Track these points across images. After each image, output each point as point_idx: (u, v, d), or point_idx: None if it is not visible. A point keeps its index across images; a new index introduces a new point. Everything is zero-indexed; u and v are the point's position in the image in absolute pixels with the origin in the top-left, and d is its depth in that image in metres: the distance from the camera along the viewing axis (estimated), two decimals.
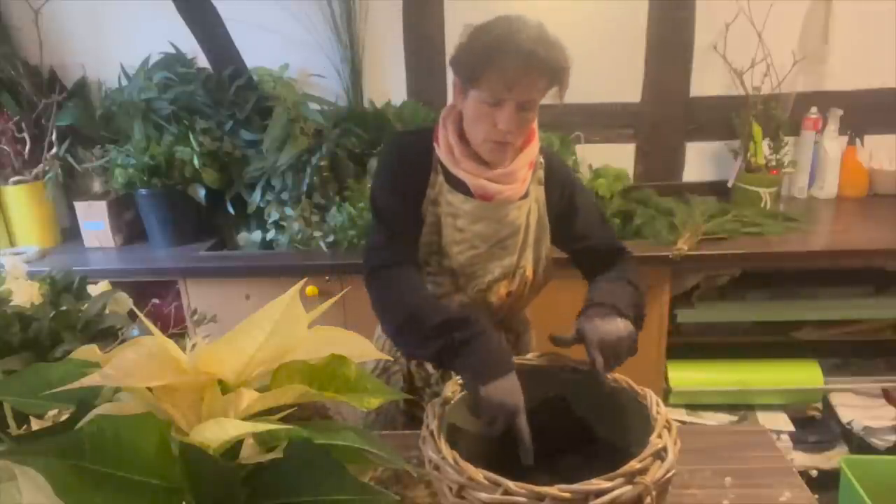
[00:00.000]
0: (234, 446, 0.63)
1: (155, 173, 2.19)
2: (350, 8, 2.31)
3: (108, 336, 0.94)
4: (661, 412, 0.88)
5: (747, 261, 1.99)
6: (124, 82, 2.38)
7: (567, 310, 2.05)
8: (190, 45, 2.30)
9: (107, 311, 0.98)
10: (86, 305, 0.98)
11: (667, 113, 2.41)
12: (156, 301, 2.17)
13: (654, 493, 0.76)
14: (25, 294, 0.97)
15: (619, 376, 1.02)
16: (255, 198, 2.24)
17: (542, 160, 1.34)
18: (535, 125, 1.31)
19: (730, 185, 2.36)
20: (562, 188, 1.36)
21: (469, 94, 1.18)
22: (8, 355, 0.86)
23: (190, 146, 2.18)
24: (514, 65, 1.11)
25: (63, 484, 0.53)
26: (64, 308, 0.94)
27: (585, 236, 1.38)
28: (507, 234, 1.29)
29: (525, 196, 1.30)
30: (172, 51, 2.35)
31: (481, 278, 1.29)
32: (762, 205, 2.26)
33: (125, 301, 1.02)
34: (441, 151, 1.25)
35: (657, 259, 1.95)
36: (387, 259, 1.22)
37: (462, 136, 1.24)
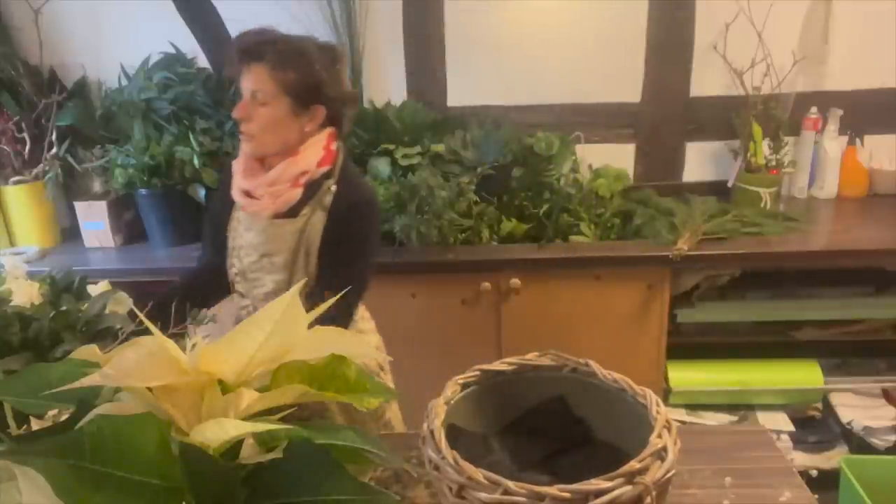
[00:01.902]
0: (234, 446, 0.63)
1: (155, 173, 2.19)
2: (350, 8, 2.31)
3: (107, 336, 0.95)
4: (661, 412, 0.88)
5: (747, 261, 1.99)
6: (124, 82, 2.38)
7: (568, 309, 2.05)
8: (190, 45, 2.29)
9: (107, 311, 0.98)
10: (86, 305, 0.98)
11: (667, 113, 2.41)
12: None
13: (654, 493, 0.76)
14: (25, 294, 0.97)
15: (618, 376, 1.02)
16: None
17: (333, 188, 1.34)
18: (321, 145, 1.33)
19: (730, 185, 2.36)
20: (338, 225, 1.34)
21: None
22: (8, 355, 0.86)
23: (190, 146, 2.18)
24: (247, 54, 1.29)
25: (63, 484, 0.53)
26: (64, 308, 0.94)
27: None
28: (274, 249, 1.34)
29: (293, 216, 1.33)
30: (172, 51, 2.35)
31: (259, 289, 1.38)
32: (762, 205, 2.26)
33: (125, 301, 1.02)
34: (238, 157, 1.38)
35: (657, 259, 1.95)
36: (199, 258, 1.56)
37: None
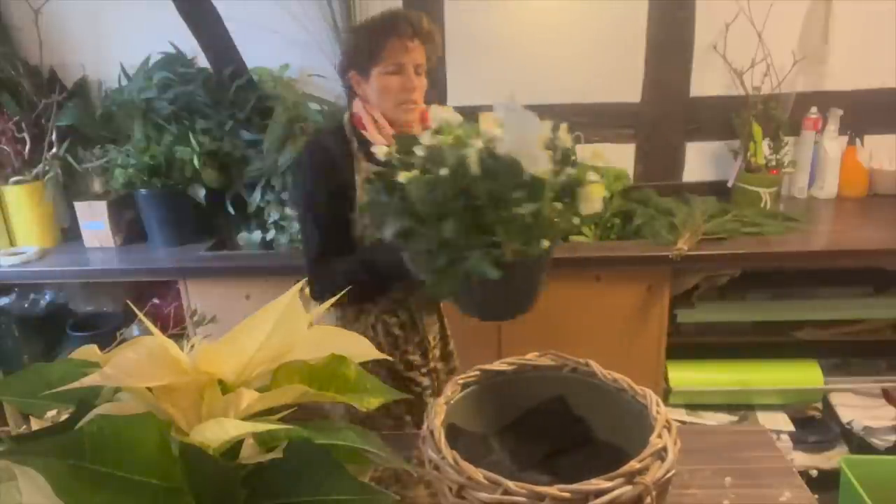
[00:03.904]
0: (234, 446, 0.63)
1: (155, 173, 2.19)
2: (350, 8, 2.31)
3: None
4: (661, 412, 0.88)
5: (747, 261, 1.99)
6: (124, 82, 2.38)
7: (568, 309, 2.05)
8: (190, 45, 2.29)
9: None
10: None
11: (667, 113, 2.41)
12: (156, 301, 2.18)
13: (654, 493, 0.76)
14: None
15: (618, 376, 1.02)
16: (255, 198, 2.24)
17: None
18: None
19: (730, 185, 2.36)
20: None
21: (371, 76, 1.40)
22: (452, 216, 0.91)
23: (190, 146, 2.18)
24: (407, 30, 1.37)
25: (63, 484, 0.53)
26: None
27: None
28: None
29: None
30: (172, 51, 2.35)
31: None
32: (762, 205, 2.26)
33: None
34: (375, 139, 1.41)
35: (657, 259, 1.95)
36: (333, 257, 1.43)
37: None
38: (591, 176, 0.98)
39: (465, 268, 0.93)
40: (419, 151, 1.01)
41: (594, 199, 0.97)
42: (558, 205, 0.94)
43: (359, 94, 1.45)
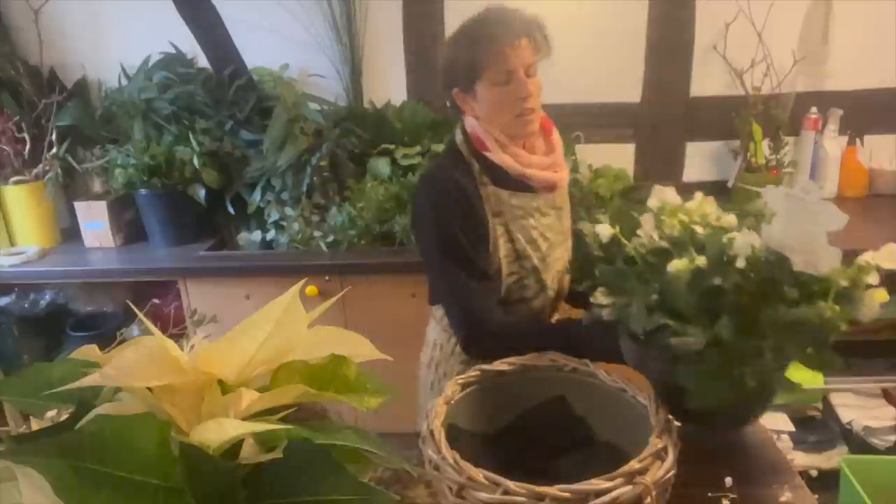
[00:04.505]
0: (234, 446, 0.63)
1: (155, 173, 2.19)
2: (350, 8, 2.31)
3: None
4: (661, 412, 0.88)
5: None
6: (124, 82, 2.38)
7: (568, 309, 2.04)
8: (190, 45, 2.30)
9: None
10: None
11: (667, 113, 2.41)
12: (156, 301, 2.18)
13: (654, 493, 0.76)
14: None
15: (618, 376, 1.02)
16: (255, 198, 2.24)
17: None
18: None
19: (730, 185, 2.36)
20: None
21: (478, 91, 1.23)
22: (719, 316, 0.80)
23: (190, 146, 2.18)
24: (509, 31, 1.20)
25: (63, 484, 0.53)
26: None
27: None
28: (565, 218, 1.37)
29: None
30: (172, 51, 2.35)
31: (553, 267, 1.33)
32: (762, 205, 2.26)
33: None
34: (504, 160, 1.25)
35: None
36: (492, 309, 1.25)
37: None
38: (871, 278, 0.83)
39: (738, 375, 0.81)
40: (645, 236, 0.93)
41: (873, 305, 0.83)
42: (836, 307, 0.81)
43: (466, 112, 1.28)
